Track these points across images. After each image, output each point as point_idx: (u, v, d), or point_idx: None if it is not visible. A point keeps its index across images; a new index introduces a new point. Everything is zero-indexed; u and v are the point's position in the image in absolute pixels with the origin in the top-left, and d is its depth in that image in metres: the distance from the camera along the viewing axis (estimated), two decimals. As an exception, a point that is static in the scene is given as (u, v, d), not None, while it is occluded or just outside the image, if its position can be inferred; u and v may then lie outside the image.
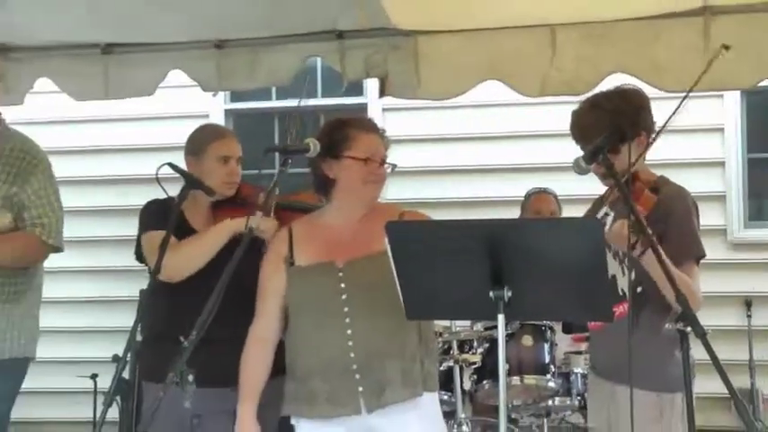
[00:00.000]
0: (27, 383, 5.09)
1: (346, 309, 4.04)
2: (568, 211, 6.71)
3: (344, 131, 4.17)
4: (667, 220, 3.94)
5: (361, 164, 4.11)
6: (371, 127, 4.27)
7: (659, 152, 4.32)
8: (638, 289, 4.04)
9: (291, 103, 8.32)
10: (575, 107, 4.38)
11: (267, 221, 4.30)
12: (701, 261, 4.06)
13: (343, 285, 4.06)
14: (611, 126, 3.98)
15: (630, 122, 4.11)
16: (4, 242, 4.69)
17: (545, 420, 6.35)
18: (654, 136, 4.16)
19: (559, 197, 6.98)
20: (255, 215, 4.07)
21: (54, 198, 4.93)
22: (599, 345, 4.40)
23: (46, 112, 7.39)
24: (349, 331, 4.02)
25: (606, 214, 3.89)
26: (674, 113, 4.02)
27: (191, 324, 3.73)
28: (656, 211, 3.88)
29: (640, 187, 3.92)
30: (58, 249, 4.96)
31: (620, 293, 4.09)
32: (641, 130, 4.16)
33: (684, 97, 4.00)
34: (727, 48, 4.23)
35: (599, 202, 4.11)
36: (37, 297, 5.05)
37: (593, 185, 4.17)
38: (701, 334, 3.46)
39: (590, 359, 4.48)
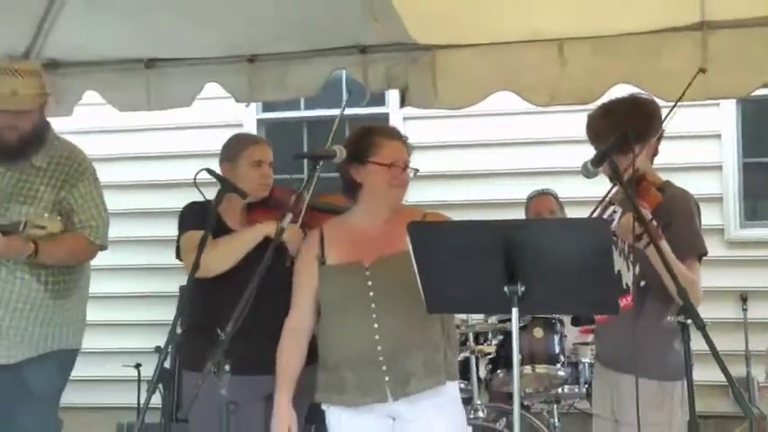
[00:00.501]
0: (76, 372, 5.10)
1: (373, 305, 4.04)
2: (573, 213, 6.68)
3: (370, 139, 4.17)
4: (671, 220, 3.93)
5: (385, 169, 4.11)
6: (395, 134, 4.27)
7: (661, 157, 4.31)
8: (642, 283, 4.03)
9: (319, 112, 8.42)
10: (581, 115, 4.37)
11: (293, 230, 4.30)
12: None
13: (370, 283, 4.06)
14: (622, 131, 3.97)
15: (641, 128, 4.10)
16: (58, 244, 4.69)
17: (555, 407, 6.32)
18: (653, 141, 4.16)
19: (565, 199, 6.95)
20: (286, 217, 4.09)
21: (100, 201, 4.94)
22: (604, 336, 4.39)
23: (93, 122, 7.41)
24: (376, 325, 4.02)
25: (614, 211, 3.88)
26: (665, 119, 4.03)
27: (227, 317, 3.75)
28: (660, 211, 3.88)
29: (647, 186, 3.92)
30: (103, 248, 4.97)
31: (625, 287, 4.08)
32: (651, 135, 4.15)
33: (672, 108, 4.01)
34: (703, 71, 4.25)
35: (607, 201, 4.10)
36: (84, 293, 5.06)
37: (596, 188, 4.16)
38: (701, 326, 3.46)
39: (595, 350, 4.46)
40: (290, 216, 4.11)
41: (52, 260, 4.73)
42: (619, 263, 4.05)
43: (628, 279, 4.08)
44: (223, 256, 4.39)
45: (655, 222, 3.71)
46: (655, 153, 4.22)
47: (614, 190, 3.97)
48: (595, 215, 3.87)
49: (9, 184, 4.78)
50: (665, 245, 3.69)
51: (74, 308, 4.96)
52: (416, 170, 4.23)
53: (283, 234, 4.08)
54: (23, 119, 4.76)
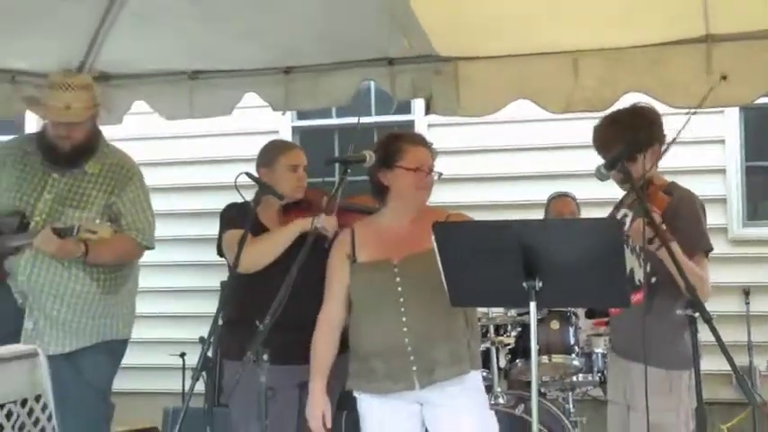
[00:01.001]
0: (126, 360, 5.13)
1: (401, 299, 4.04)
2: (588, 213, 6.67)
3: (397, 145, 4.17)
4: (679, 220, 3.91)
5: (411, 173, 4.11)
6: (420, 141, 4.27)
7: (669, 161, 4.31)
8: (653, 279, 4.02)
9: (349, 120, 8.43)
10: (594, 122, 4.36)
11: (329, 221, 4.31)
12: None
13: (398, 279, 4.06)
14: (628, 138, 3.97)
15: (645, 135, 4.09)
16: (107, 246, 4.71)
17: (570, 394, 6.30)
18: (665, 147, 4.15)
19: (580, 200, 6.94)
20: (320, 216, 4.09)
21: (146, 205, 4.95)
22: (618, 328, 4.37)
23: (141, 130, 7.43)
24: (404, 318, 4.02)
25: (625, 215, 3.88)
26: (682, 128, 4.01)
27: (265, 311, 3.75)
28: (668, 212, 3.87)
29: (654, 190, 3.91)
30: (150, 248, 4.99)
31: (637, 283, 4.06)
32: (654, 141, 4.14)
33: (688, 118, 3.99)
34: (725, 77, 4.21)
35: (619, 204, 4.08)
36: (133, 288, 5.08)
37: (609, 190, 4.15)
38: (708, 319, 3.46)
39: (610, 340, 4.44)
40: (322, 216, 4.12)
41: (101, 260, 4.76)
42: (631, 260, 4.04)
43: (640, 275, 4.06)
44: (262, 252, 4.40)
45: (664, 226, 3.69)
46: (659, 157, 4.20)
47: (625, 194, 3.96)
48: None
49: (64, 190, 4.80)
50: (675, 246, 3.67)
51: (123, 302, 4.98)
52: (440, 173, 4.22)
53: (318, 230, 4.09)
54: (76, 130, 4.78)
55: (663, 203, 3.86)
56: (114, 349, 5.00)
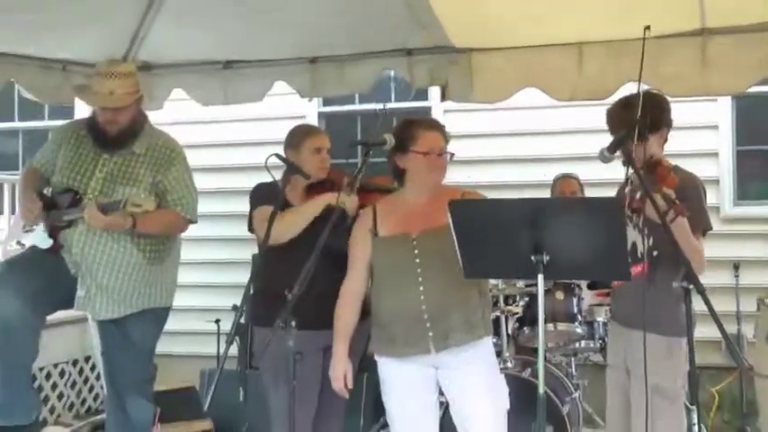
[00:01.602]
0: (167, 326, 5.13)
1: (419, 270, 4.03)
2: (592, 194, 6.65)
3: (411, 130, 4.15)
4: (683, 199, 3.86)
5: (423, 156, 4.10)
6: (433, 125, 4.24)
7: (667, 145, 4.28)
8: (654, 253, 4.00)
9: (371, 106, 8.41)
10: (597, 109, 4.34)
11: (352, 200, 4.30)
12: (702, 233, 4.03)
13: (416, 252, 4.05)
14: (638, 122, 3.95)
15: (654, 119, 4.06)
16: (154, 219, 4.72)
17: (572, 359, 6.31)
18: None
19: (584, 181, 6.93)
20: (345, 190, 4.09)
21: (190, 182, 4.96)
22: (620, 298, 4.35)
23: (179, 115, 7.42)
24: (421, 288, 4.01)
25: (634, 190, 3.85)
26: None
27: (293, 281, 3.75)
28: (676, 192, 3.81)
29: (665, 170, 3.87)
30: (193, 222, 5.00)
31: (639, 257, 4.04)
32: (663, 126, 4.11)
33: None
34: (648, 28, 4.20)
35: (627, 182, 4.06)
36: (176, 259, 5.09)
37: (611, 172, 4.11)
38: (701, 290, 3.44)
39: (611, 310, 4.42)
40: (347, 190, 4.11)
41: (148, 232, 4.77)
42: (633, 235, 4.02)
43: (642, 249, 4.04)
44: (290, 224, 4.39)
45: (677, 201, 3.66)
46: (664, 141, 4.18)
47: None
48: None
49: (114, 169, 4.80)
50: (685, 222, 3.64)
51: (167, 272, 4.99)
52: (452, 155, 4.19)
53: (342, 206, 4.09)
54: (121, 114, 4.78)
55: (674, 182, 3.82)
56: (158, 316, 5.01)
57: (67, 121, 5.51)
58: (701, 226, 3.99)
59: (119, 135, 4.82)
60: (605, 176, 4.76)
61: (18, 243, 4.98)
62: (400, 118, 4.38)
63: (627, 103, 4.19)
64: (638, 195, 3.81)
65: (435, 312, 4.00)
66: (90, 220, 4.61)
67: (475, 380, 4.06)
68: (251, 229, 4.69)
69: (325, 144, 4.72)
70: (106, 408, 5.23)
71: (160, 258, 4.92)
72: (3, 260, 5.21)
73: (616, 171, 4.05)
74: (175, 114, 6.75)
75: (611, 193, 4.39)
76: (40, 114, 9.86)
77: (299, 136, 4.74)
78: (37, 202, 4.83)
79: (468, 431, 4.11)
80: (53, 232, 4.83)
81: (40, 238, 4.85)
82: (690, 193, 3.97)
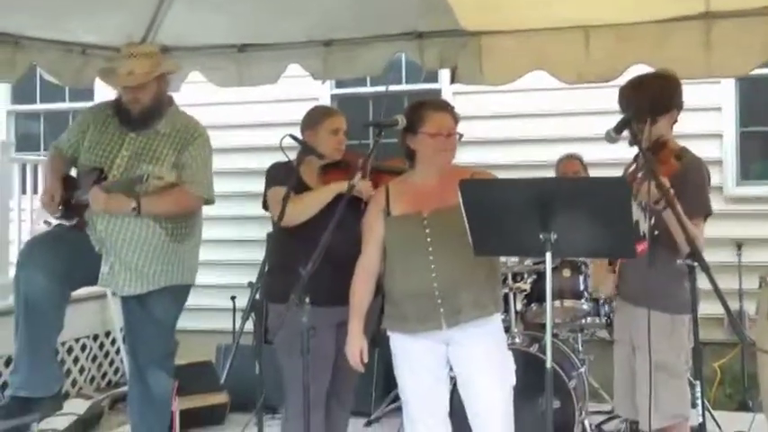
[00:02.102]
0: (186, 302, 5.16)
1: (430, 248, 4.03)
2: (597, 174, 6.62)
3: (420, 112, 4.14)
4: (686, 184, 3.86)
5: (432, 137, 4.08)
6: (441, 106, 4.22)
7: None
8: (656, 232, 3.98)
9: (382, 88, 8.40)
10: (603, 91, 4.32)
11: (364, 184, 4.30)
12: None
13: (427, 231, 4.04)
14: (649, 101, 3.94)
15: (666, 100, 4.05)
16: (161, 198, 4.75)
17: (579, 335, 6.31)
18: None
19: (590, 162, 6.90)
20: (356, 176, 4.07)
21: (208, 162, 4.96)
22: (624, 276, 4.34)
23: (196, 97, 7.40)
24: (432, 266, 4.01)
25: (636, 170, 3.84)
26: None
27: (307, 259, 3.75)
28: (677, 176, 3.82)
29: (667, 154, 3.87)
30: (209, 202, 5.00)
31: (642, 235, 4.03)
32: (673, 107, 4.09)
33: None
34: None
35: (632, 162, 4.04)
36: (198, 239, 5.10)
37: (617, 153, 4.10)
38: (706, 268, 3.43)
39: (617, 287, 4.42)
40: (359, 175, 4.09)
41: (157, 210, 4.77)
42: (637, 213, 4.00)
43: (644, 228, 4.03)
44: (302, 210, 4.38)
45: (672, 190, 3.64)
46: (674, 122, 4.15)
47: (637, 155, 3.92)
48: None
49: (139, 147, 4.81)
50: (678, 209, 3.62)
51: (189, 250, 5.00)
52: (461, 135, 4.17)
53: (353, 190, 4.08)
54: (142, 93, 4.79)
55: (672, 169, 3.81)
56: (180, 293, 5.03)
57: (94, 102, 5.53)
58: (701, 211, 3.98)
59: (142, 114, 4.83)
60: (612, 157, 4.75)
61: (45, 222, 5.00)
62: (411, 100, 4.37)
63: (638, 84, 4.17)
64: (639, 175, 3.80)
65: (446, 289, 4.00)
66: (92, 201, 4.65)
67: (483, 355, 4.07)
68: (265, 208, 4.69)
69: (343, 125, 4.71)
70: (129, 380, 5.26)
71: (182, 236, 4.92)
72: (29, 238, 5.25)
73: (623, 152, 4.04)
74: (192, 96, 6.74)
75: (618, 173, 4.38)
76: (61, 97, 9.87)
77: (317, 116, 4.73)
78: (58, 191, 4.89)
79: (474, 405, 4.12)
80: (78, 210, 4.85)
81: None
82: (692, 177, 3.96)
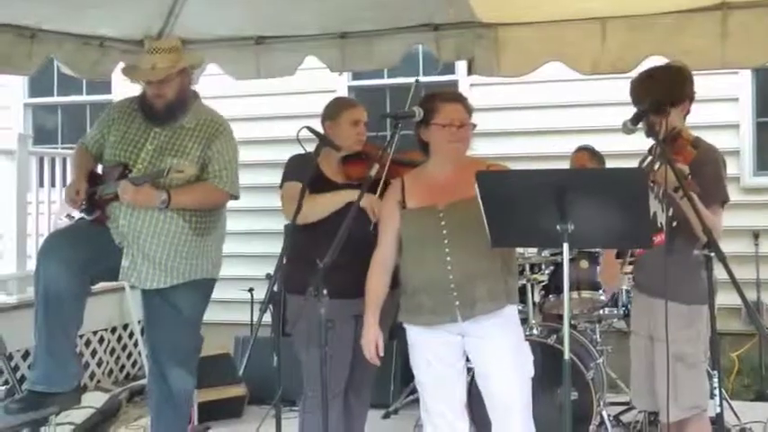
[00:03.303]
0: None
1: (446, 241, 4.03)
2: (613, 165, 6.61)
3: (431, 104, 4.13)
4: (702, 172, 3.86)
5: (443, 129, 4.08)
6: (453, 98, 4.21)
7: (689, 117, 4.25)
8: (674, 223, 3.99)
9: (399, 80, 8.40)
10: (619, 82, 4.33)
11: (368, 199, 4.28)
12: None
13: (443, 223, 4.05)
14: (660, 94, 3.94)
15: (677, 91, 4.06)
16: (190, 192, 4.75)
17: (597, 326, 6.32)
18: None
19: (606, 153, 6.83)
20: (374, 167, 4.07)
21: (232, 157, 4.94)
22: (642, 267, 4.34)
23: (215, 90, 7.40)
24: (448, 258, 4.01)
25: (653, 161, 3.84)
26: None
27: (325, 251, 3.76)
28: (693, 165, 3.82)
29: (683, 143, 3.87)
30: (234, 197, 4.99)
31: (659, 226, 4.03)
32: (685, 97, 4.10)
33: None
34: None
35: (648, 153, 4.04)
36: (222, 232, 5.09)
37: (633, 144, 4.10)
38: (722, 258, 3.43)
39: (635, 278, 4.42)
40: (377, 166, 4.10)
41: (185, 203, 4.77)
42: (655, 205, 4.01)
43: (662, 219, 4.03)
44: (314, 211, 4.37)
45: (690, 176, 3.65)
46: (687, 112, 4.15)
47: (653, 145, 3.92)
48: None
49: (164, 141, 4.81)
50: (695, 196, 3.62)
51: (213, 244, 4.98)
52: (474, 125, 4.18)
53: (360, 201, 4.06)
54: (165, 88, 4.79)
55: (690, 156, 3.83)
56: (204, 286, 5.00)
57: (112, 95, 5.55)
58: (718, 198, 3.97)
59: (167, 108, 4.83)
60: (628, 148, 4.75)
61: (68, 216, 5.01)
62: (428, 91, 4.37)
63: (649, 76, 4.18)
64: (656, 167, 3.80)
65: (462, 282, 4.00)
66: (121, 193, 4.64)
67: (499, 347, 4.07)
68: (284, 200, 4.70)
69: (363, 117, 4.71)
70: (148, 378, 5.21)
71: (206, 230, 4.90)
72: (50, 231, 5.25)
73: (639, 143, 4.05)
74: (210, 89, 6.76)
75: (634, 164, 4.38)
76: (78, 90, 9.91)
77: (337, 108, 4.73)
78: (83, 186, 4.88)
79: (492, 397, 4.12)
80: (100, 204, 4.86)
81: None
82: (708, 166, 3.96)
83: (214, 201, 4.92)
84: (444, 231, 4.04)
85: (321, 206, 4.42)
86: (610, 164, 6.59)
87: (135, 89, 5.11)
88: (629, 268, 5.94)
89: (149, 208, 4.72)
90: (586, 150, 6.83)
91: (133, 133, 4.88)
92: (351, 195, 4.32)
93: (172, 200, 4.68)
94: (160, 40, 5.04)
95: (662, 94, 3.99)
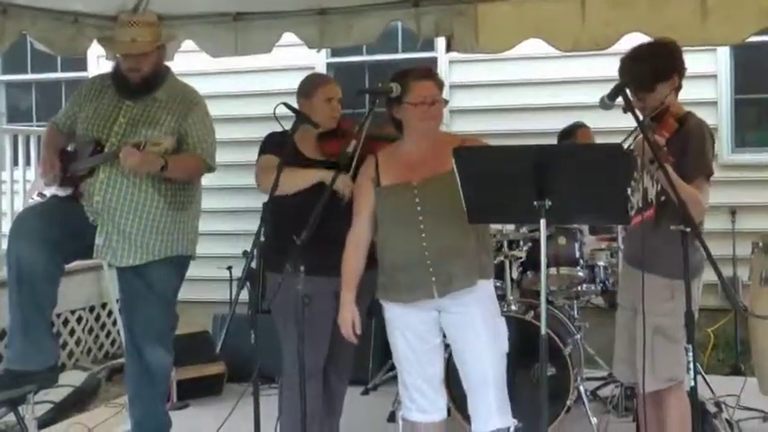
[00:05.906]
0: (181, 273, 5.14)
1: (421, 218, 4.03)
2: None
3: (402, 82, 4.10)
4: (688, 145, 3.92)
5: (415, 107, 4.06)
6: (424, 74, 4.17)
7: (668, 95, 4.26)
8: (662, 198, 4.01)
9: (378, 57, 8.39)
10: (598, 59, 4.33)
11: (346, 182, 4.30)
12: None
13: (417, 200, 4.04)
14: (643, 70, 3.95)
15: (664, 67, 4.08)
16: (182, 161, 4.74)
17: (575, 302, 6.33)
18: None
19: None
20: (351, 144, 4.07)
21: (210, 129, 4.95)
22: (630, 240, 4.39)
23: (191, 66, 7.38)
24: (423, 235, 4.02)
25: (636, 137, 3.88)
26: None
27: (301, 228, 3.76)
28: (678, 137, 3.89)
29: (667, 117, 3.92)
30: (211, 169, 4.98)
31: (649, 201, 4.07)
32: (674, 73, 4.11)
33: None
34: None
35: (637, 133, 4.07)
36: (197, 207, 5.08)
37: (616, 121, 4.11)
38: (697, 234, 3.46)
39: (623, 251, 4.45)
40: (353, 143, 4.10)
41: (176, 174, 4.75)
42: (645, 181, 4.04)
43: (652, 195, 4.06)
44: (288, 184, 4.33)
45: (666, 149, 3.67)
46: (678, 87, 4.17)
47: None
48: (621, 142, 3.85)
49: (137, 114, 4.80)
50: (669, 168, 3.64)
51: (189, 220, 4.98)
52: (446, 101, 4.19)
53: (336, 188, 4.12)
54: (143, 62, 4.77)
55: (671, 129, 3.87)
56: (180, 264, 4.99)
57: (87, 72, 5.50)
58: (703, 171, 3.99)
59: (141, 83, 4.82)
60: (609, 125, 4.76)
61: (39, 194, 4.98)
62: (398, 69, 4.34)
63: (635, 54, 4.20)
64: (632, 139, 3.83)
65: (437, 258, 4.01)
66: (126, 158, 4.53)
67: (474, 322, 4.08)
68: (259, 178, 4.69)
69: (337, 94, 4.70)
70: (125, 356, 5.18)
71: (182, 204, 4.89)
72: (23, 209, 5.21)
73: (621, 120, 4.05)
74: (187, 65, 6.73)
75: (616, 140, 4.39)
76: (53, 67, 9.83)
77: (311, 85, 4.72)
78: (56, 161, 4.86)
79: (467, 372, 4.15)
80: (74, 181, 4.83)
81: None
82: (693, 139, 3.99)
83: (198, 172, 4.94)
84: (419, 208, 4.04)
85: (294, 179, 4.39)
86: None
87: (111, 67, 5.08)
88: (604, 244, 6.04)
89: (125, 182, 4.70)
90: (585, 127, 6.79)
91: (104, 108, 4.86)
92: (324, 176, 4.32)
93: (169, 166, 4.64)
94: (137, 14, 4.98)
95: (645, 70, 4.02)
